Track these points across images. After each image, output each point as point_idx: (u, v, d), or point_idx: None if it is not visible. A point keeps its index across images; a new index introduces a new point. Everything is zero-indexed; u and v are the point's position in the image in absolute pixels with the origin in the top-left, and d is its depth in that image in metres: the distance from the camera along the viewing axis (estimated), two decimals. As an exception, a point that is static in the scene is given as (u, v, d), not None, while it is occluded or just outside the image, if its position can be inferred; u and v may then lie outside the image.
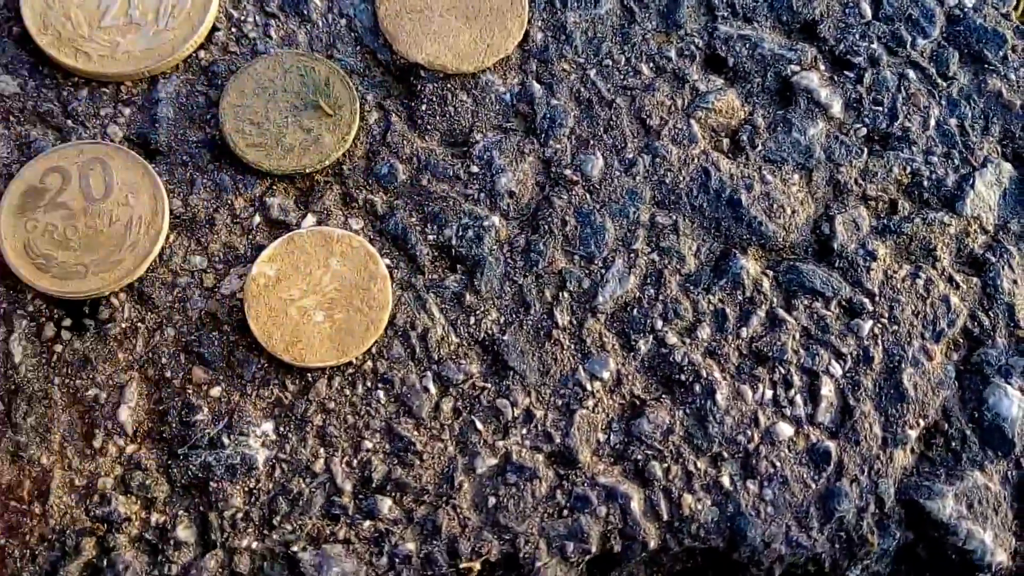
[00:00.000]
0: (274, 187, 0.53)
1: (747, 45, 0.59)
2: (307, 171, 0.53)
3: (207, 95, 0.54)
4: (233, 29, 0.55)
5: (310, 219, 0.53)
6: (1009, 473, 0.52)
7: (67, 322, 0.49)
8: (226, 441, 0.49)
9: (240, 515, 0.48)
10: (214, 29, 0.55)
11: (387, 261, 0.52)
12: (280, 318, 0.49)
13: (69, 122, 0.52)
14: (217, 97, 0.54)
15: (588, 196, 0.54)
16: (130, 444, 0.48)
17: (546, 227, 0.53)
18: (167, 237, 0.51)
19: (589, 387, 0.52)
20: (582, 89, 0.57)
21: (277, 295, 0.49)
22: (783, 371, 0.53)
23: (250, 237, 0.52)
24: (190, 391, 0.49)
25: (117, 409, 0.49)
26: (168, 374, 0.49)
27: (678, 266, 0.54)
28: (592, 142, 0.56)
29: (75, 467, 0.48)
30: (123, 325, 0.50)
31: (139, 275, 0.50)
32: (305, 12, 0.56)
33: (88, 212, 0.50)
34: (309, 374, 0.50)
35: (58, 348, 0.49)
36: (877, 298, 0.54)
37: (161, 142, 0.53)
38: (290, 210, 0.53)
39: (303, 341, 0.49)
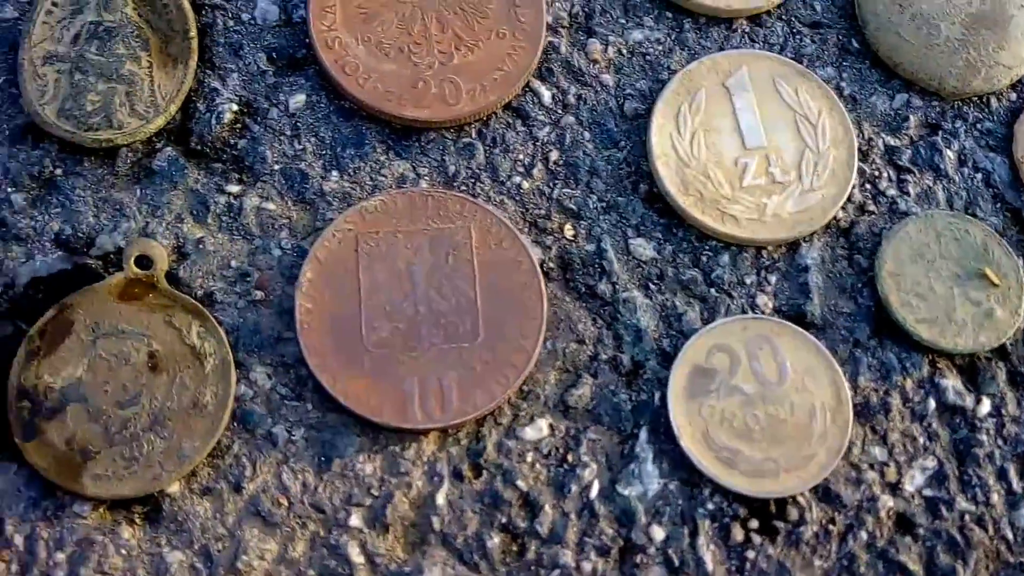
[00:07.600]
0: (938, 366, 0.47)
1: None
2: (984, 351, 0.47)
3: (850, 260, 0.49)
4: (867, 185, 0.50)
5: (986, 404, 0.47)
6: None
7: (754, 523, 0.44)
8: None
9: None
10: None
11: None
12: None
13: (713, 291, 0.48)
14: (865, 263, 0.49)
15: None
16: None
17: None
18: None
19: None
20: None
21: None
22: None
23: (925, 425, 0.46)
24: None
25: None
26: (867, 586, 0.43)
27: None
28: None
29: None
30: (814, 528, 0.44)
31: (830, 471, 0.44)
32: (940, 167, 0.51)
33: (766, 398, 0.45)
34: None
35: (750, 554, 0.43)
36: None
37: (815, 314, 0.48)
38: (964, 393, 0.47)
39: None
